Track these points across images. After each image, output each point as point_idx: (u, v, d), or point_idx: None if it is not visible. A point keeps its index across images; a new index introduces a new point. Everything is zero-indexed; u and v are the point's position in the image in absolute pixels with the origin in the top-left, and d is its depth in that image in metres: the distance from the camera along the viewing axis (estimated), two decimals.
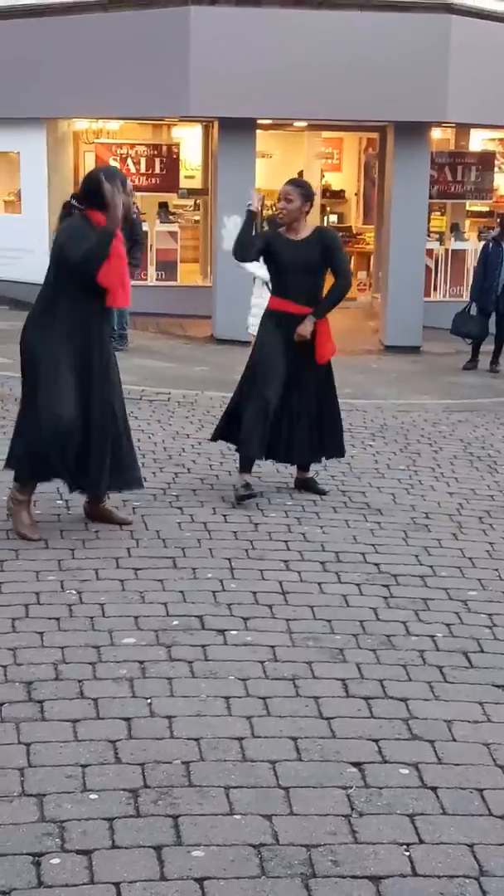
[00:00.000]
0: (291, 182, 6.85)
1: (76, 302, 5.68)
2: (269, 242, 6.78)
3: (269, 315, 6.83)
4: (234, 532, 6.13)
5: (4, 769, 3.58)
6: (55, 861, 3.13)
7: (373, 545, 6.04)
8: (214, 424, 8.85)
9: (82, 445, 5.74)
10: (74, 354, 5.70)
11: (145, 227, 16.69)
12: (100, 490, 5.99)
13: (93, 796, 3.45)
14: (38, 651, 4.48)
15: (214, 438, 7.14)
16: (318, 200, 19.06)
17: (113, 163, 16.00)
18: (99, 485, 5.91)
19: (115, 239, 5.57)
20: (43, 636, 4.62)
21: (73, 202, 5.76)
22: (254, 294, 10.87)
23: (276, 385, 6.64)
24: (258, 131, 14.75)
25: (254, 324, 11.15)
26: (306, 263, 6.62)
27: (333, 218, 20.46)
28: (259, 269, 10.60)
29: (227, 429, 6.94)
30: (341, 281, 6.72)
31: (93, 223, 5.62)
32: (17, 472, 5.93)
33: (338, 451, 7.02)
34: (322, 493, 6.95)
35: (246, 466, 6.77)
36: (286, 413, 6.74)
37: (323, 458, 7.13)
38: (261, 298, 10.80)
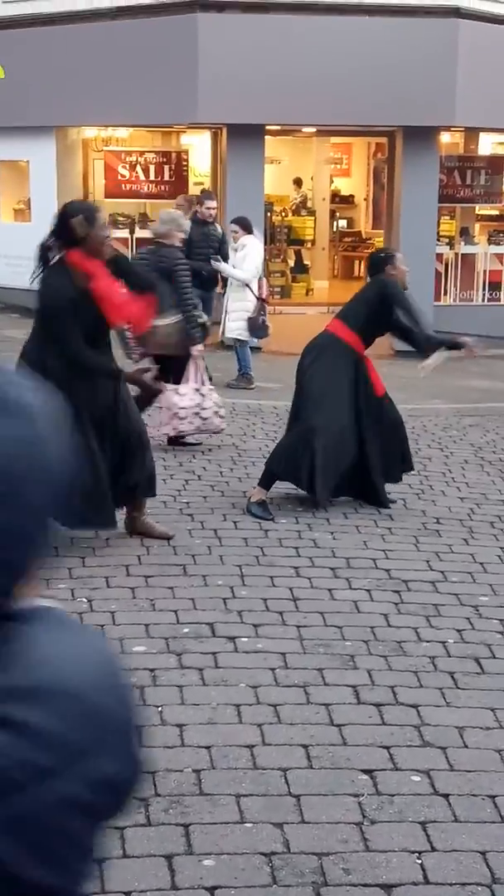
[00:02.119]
0: None
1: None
2: None
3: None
4: (245, 539, 6.12)
5: None
6: None
7: (383, 550, 6.02)
8: (224, 430, 8.86)
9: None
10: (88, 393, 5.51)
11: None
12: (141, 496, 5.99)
13: None
14: None
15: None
16: (326, 206, 19.26)
17: (122, 171, 16.07)
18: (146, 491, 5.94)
19: (95, 283, 5.45)
20: None
21: (48, 243, 5.61)
22: (231, 297, 10.87)
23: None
24: (267, 137, 14.76)
25: (234, 328, 11.15)
26: None
27: (343, 223, 20.46)
28: (238, 271, 10.64)
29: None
30: None
31: (69, 268, 5.48)
32: None
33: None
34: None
35: (267, 483, 6.67)
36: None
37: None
38: (241, 302, 10.82)
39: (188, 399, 7.69)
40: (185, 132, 17.62)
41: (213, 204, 11.46)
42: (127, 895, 3.03)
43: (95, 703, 1.06)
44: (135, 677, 4.33)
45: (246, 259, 10.87)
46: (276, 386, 9.99)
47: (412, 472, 7.74)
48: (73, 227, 5.45)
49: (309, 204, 19.44)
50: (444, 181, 15.63)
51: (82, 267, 5.48)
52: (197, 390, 7.73)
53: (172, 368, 7.73)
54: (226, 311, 11.20)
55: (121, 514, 5.98)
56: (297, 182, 19.45)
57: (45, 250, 5.64)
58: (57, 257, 5.59)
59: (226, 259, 10.85)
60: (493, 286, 16.31)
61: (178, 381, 7.81)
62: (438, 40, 13.74)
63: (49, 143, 15.70)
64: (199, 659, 4.53)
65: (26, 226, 16.42)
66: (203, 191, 13.32)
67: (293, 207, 19.46)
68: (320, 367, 6.59)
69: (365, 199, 20.36)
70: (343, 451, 6.51)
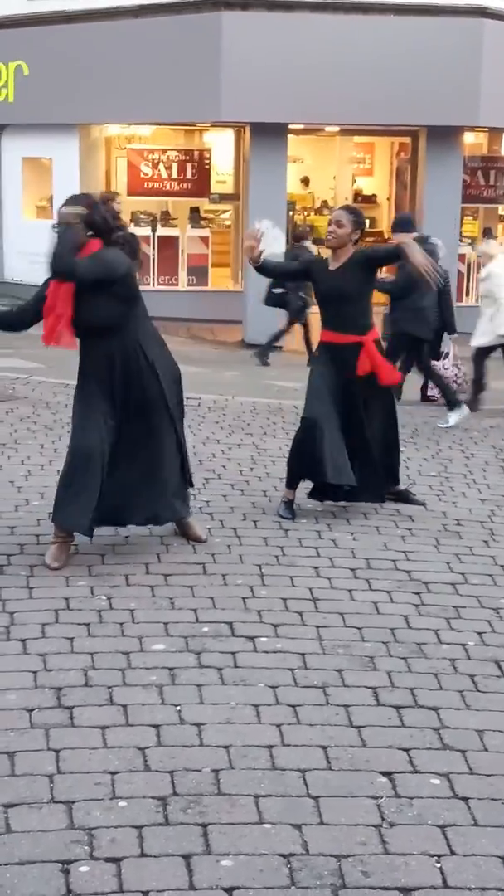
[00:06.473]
0: (345, 207, 6.79)
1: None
2: (308, 269, 6.63)
3: (321, 348, 6.58)
4: (265, 538, 6.11)
5: (34, 776, 3.58)
6: (84, 869, 3.12)
7: (404, 552, 6.00)
8: (244, 429, 8.87)
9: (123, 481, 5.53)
10: (102, 381, 5.52)
11: (176, 231, 16.77)
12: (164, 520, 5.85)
13: (122, 804, 3.44)
14: (68, 657, 4.48)
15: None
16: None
17: (144, 168, 16.09)
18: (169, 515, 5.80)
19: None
20: (73, 642, 4.62)
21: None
22: None
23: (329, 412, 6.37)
24: (290, 136, 14.75)
25: None
26: (340, 293, 6.37)
27: (365, 222, 20.48)
28: None
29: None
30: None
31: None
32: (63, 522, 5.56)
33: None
34: (419, 503, 6.85)
35: (293, 483, 6.58)
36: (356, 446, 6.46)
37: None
38: None
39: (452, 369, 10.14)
40: (207, 130, 17.65)
41: None
42: (144, 894, 3.02)
43: None
44: (154, 676, 4.33)
45: None
46: (296, 385, 9.94)
47: (433, 474, 7.73)
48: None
49: (331, 203, 19.47)
50: (467, 181, 15.61)
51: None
52: (455, 365, 9.94)
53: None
54: None
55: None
56: (305, 181, 19.63)
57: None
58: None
59: None
60: None
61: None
62: (463, 40, 13.71)
63: (72, 140, 15.76)
64: (218, 658, 4.52)
65: (48, 223, 16.45)
66: None
67: (316, 207, 19.52)
68: None
69: (388, 199, 20.33)
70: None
